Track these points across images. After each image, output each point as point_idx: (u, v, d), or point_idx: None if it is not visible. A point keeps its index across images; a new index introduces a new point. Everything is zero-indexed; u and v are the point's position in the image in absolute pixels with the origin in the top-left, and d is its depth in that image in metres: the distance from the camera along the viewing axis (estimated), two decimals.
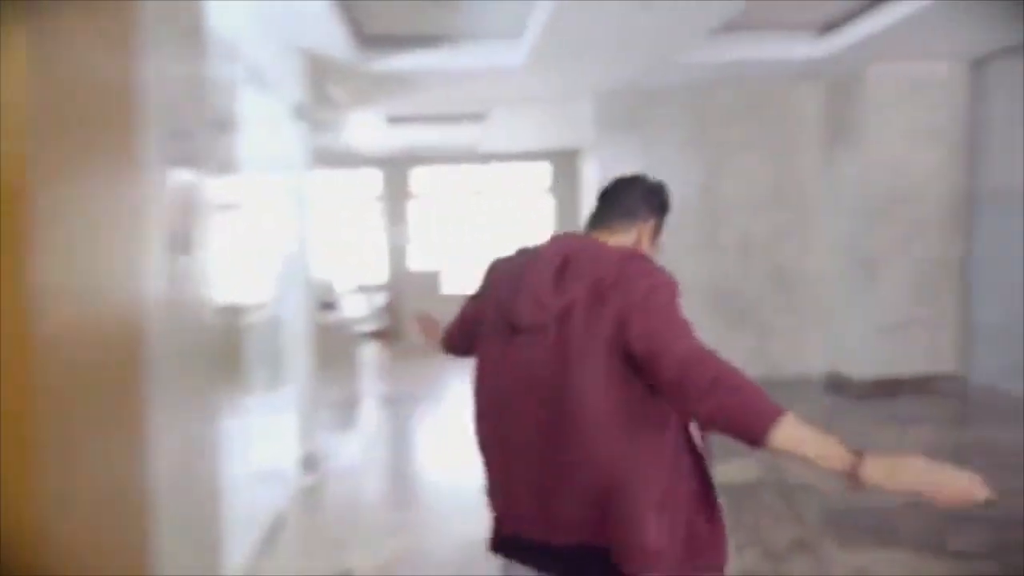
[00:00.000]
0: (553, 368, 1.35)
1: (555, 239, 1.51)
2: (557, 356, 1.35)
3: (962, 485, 1.16)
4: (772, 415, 1.17)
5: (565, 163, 10.44)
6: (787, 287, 6.68)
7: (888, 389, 5.97)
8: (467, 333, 1.74)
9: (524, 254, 1.56)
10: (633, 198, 1.59)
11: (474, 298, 1.72)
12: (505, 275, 1.54)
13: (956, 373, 6.14)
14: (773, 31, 5.40)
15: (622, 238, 1.54)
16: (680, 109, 6.46)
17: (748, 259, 6.64)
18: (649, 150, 6.46)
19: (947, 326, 6.16)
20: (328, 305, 5.74)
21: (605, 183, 1.66)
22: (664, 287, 1.35)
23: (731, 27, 5.18)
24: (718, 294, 6.59)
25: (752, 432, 1.18)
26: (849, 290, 6.30)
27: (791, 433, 1.16)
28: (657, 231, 1.62)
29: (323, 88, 5.25)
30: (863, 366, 6.12)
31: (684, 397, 1.24)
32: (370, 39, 5.09)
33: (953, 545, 3.20)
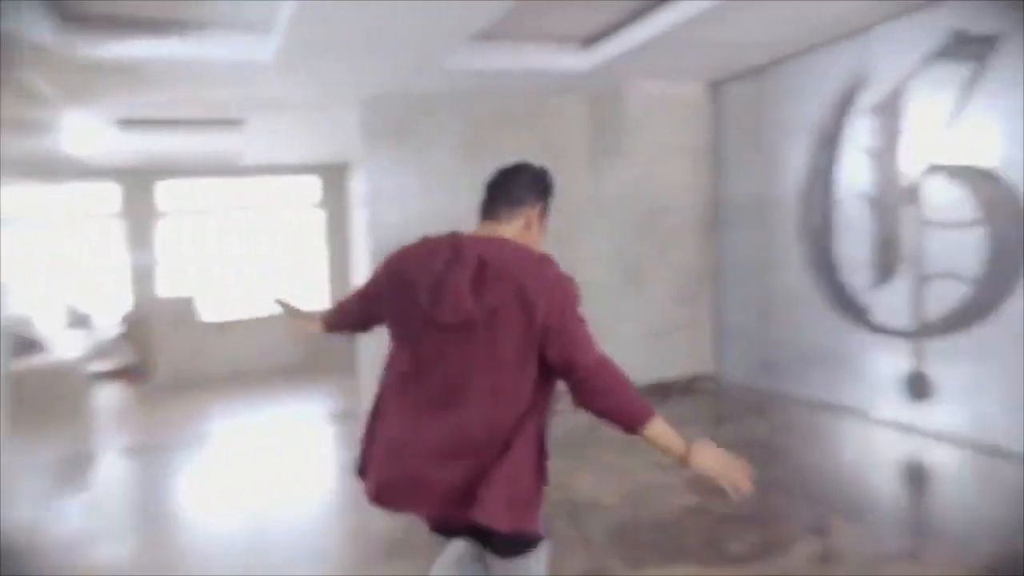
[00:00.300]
0: (481, 362, 1.56)
1: (468, 239, 1.64)
2: (485, 352, 1.56)
3: (741, 476, 1.58)
4: (647, 414, 1.58)
5: (335, 177, 9.86)
6: None
7: (660, 392, 6.23)
8: (366, 311, 1.87)
9: (433, 247, 1.65)
10: (519, 187, 1.73)
11: (375, 282, 1.81)
12: (418, 269, 1.64)
13: (713, 373, 6.59)
14: (538, 42, 5.39)
15: (514, 225, 1.70)
16: (451, 117, 6.26)
17: None
18: (421, 160, 6.17)
19: (704, 329, 6.60)
20: (30, 345, 4.66)
21: (491, 175, 1.78)
22: (573, 293, 1.61)
23: (497, 36, 5.08)
24: None
25: (632, 425, 1.58)
26: (618, 298, 6.51)
27: (656, 428, 1.58)
28: (544, 214, 1.78)
29: (16, 78, 4.25)
30: (635, 372, 6.27)
31: (589, 395, 1.58)
32: (78, 19, 4.21)
33: (730, 551, 3.23)
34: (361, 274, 6.52)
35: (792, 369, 5.83)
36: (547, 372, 1.59)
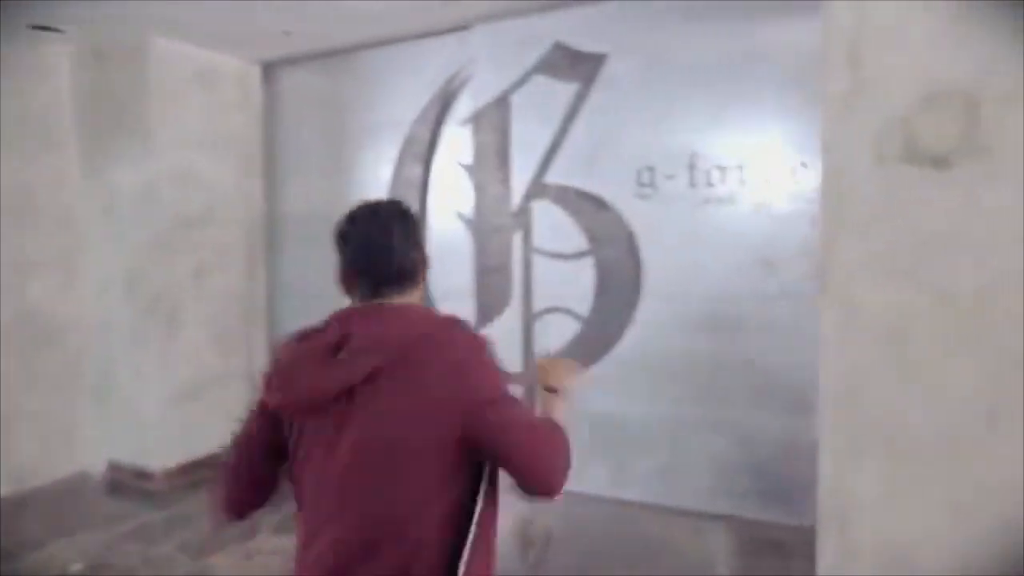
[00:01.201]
0: None
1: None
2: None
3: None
4: None
5: None
6: (38, 343, 4.43)
7: (193, 474, 4.46)
8: None
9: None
10: (405, 254, 1.38)
11: None
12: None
13: None
14: None
15: (412, 297, 1.43)
16: None
17: None
18: None
19: (254, 382, 5.08)
20: None
21: (352, 244, 1.37)
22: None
23: None
24: None
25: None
26: (135, 344, 4.54)
27: None
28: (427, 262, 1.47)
29: None
30: (163, 449, 4.45)
31: None
32: None
33: None
34: None
35: None
36: None
